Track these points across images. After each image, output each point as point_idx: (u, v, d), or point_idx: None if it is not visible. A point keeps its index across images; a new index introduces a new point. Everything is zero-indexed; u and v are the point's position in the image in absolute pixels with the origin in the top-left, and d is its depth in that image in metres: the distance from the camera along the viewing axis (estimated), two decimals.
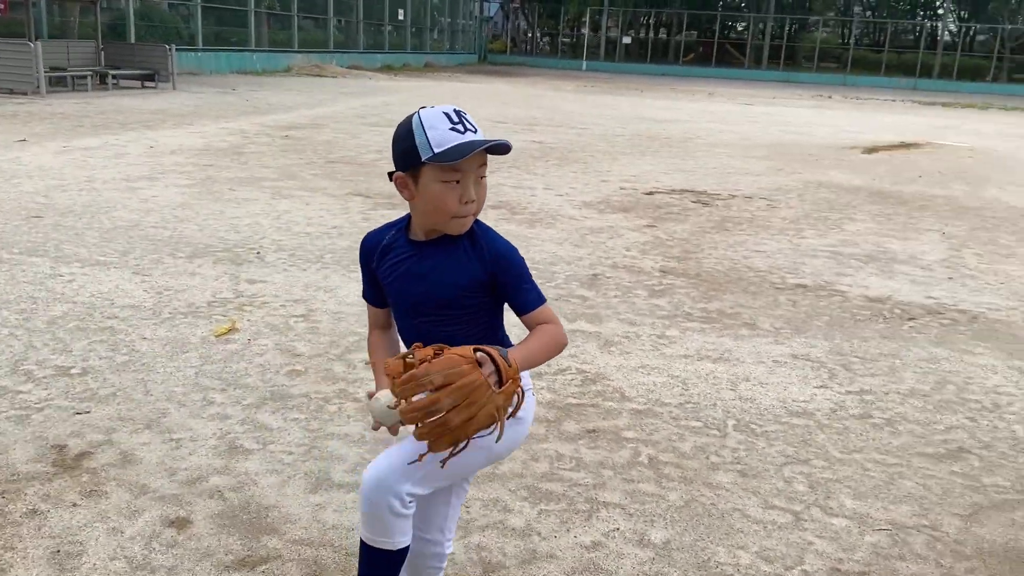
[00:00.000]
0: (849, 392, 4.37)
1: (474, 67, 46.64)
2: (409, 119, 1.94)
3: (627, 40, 58.12)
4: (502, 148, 1.91)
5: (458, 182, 1.91)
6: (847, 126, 20.82)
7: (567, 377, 4.36)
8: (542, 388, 4.18)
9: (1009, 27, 56.89)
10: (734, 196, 9.96)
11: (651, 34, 61.44)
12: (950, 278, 6.77)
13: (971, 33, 60.08)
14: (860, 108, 28.93)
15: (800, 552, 2.95)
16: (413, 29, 44.77)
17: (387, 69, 36.86)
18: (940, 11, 70.73)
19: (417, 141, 1.90)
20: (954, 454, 3.73)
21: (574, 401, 4.09)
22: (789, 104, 28.68)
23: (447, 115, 1.89)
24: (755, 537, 3.02)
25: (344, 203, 8.46)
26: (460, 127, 1.88)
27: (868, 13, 71.50)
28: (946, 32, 61.78)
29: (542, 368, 4.42)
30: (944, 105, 33.77)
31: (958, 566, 2.91)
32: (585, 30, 58.32)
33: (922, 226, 8.81)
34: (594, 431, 3.78)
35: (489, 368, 1.77)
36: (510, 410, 1.83)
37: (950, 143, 17.50)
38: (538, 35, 63.44)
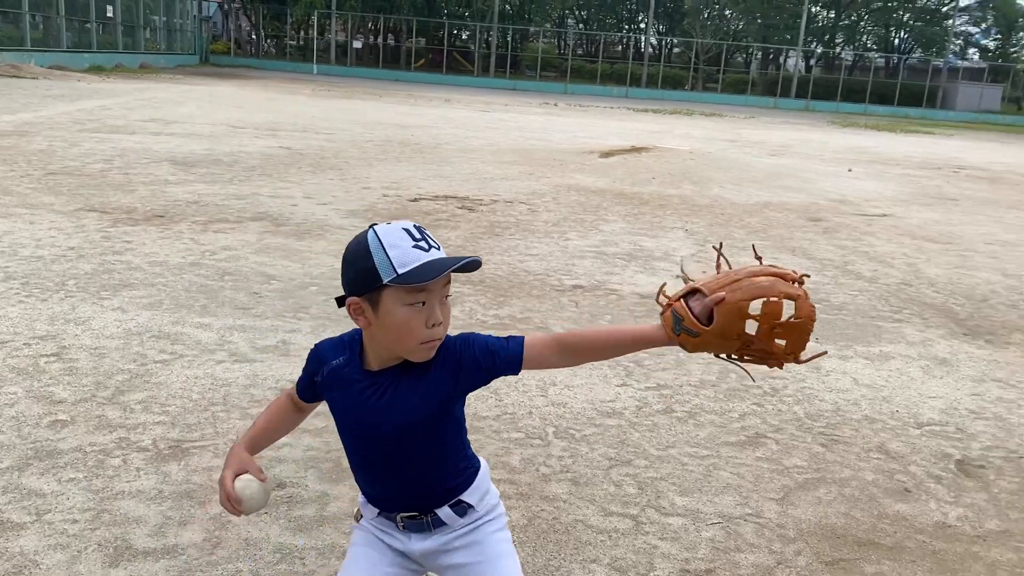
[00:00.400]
0: (648, 388, 4.54)
1: (195, 69, 43.83)
2: (364, 237, 1.73)
3: (357, 45, 57.65)
4: (474, 265, 1.74)
5: (423, 303, 1.72)
6: (579, 131, 22.07)
7: None
8: None
9: (701, 41, 63.57)
10: (496, 201, 10.11)
11: (381, 39, 61.41)
12: (704, 271, 7.30)
13: (669, 46, 66.36)
14: (585, 114, 30.86)
15: (648, 558, 2.97)
16: (124, 27, 41.17)
17: (97, 70, 33.55)
18: (643, 25, 77.54)
19: (376, 261, 1.68)
20: (753, 440, 3.98)
21: None
22: (522, 111, 29.90)
23: (407, 231, 1.71)
24: (603, 548, 3.00)
25: (77, 220, 7.49)
26: (424, 244, 1.71)
27: (581, 26, 76.74)
28: (648, 45, 67.82)
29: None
30: (654, 112, 36.98)
31: (787, 550, 3.08)
32: (313, 33, 57.08)
33: (667, 224, 9.48)
34: None
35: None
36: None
37: (672, 147, 19.13)
38: (263, 37, 61.05)
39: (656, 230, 9.08)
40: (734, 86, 63.26)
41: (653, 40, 67.66)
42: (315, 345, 2.00)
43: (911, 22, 69.11)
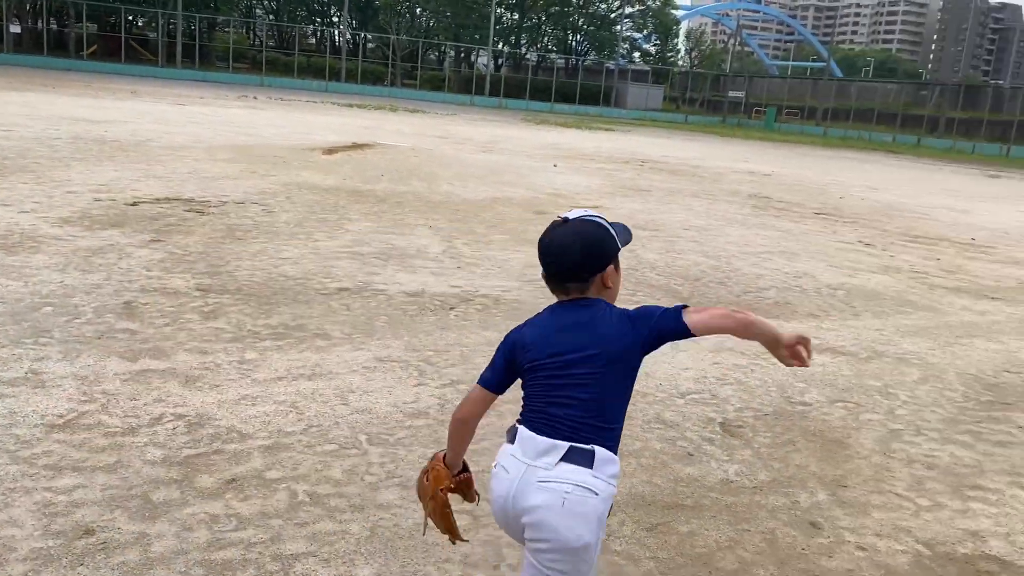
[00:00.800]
0: (443, 385, 4.62)
1: None
2: (590, 222, 2.15)
3: (16, 29, 51.05)
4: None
5: None
6: (288, 127, 21.45)
7: (168, 426, 3.79)
8: (144, 444, 3.58)
9: (396, 37, 64.36)
10: (225, 202, 9.58)
11: (44, 24, 54.83)
12: (459, 267, 7.54)
13: (364, 41, 66.43)
14: (289, 109, 30.02)
15: (495, 549, 3.06)
16: None
17: None
18: (335, 19, 76.77)
19: (612, 231, 2.16)
20: None
21: (191, 452, 3.58)
22: (221, 105, 28.38)
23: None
24: (450, 548, 3.04)
25: None
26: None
27: (271, 16, 74.25)
28: (343, 39, 67.32)
29: (136, 421, 3.79)
30: (359, 107, 36.91)
31: (612, 522, 3.33)
32: None
33: (410, 221, 9.60)
34: (234, 480, 3.38)
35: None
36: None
37: (394, 144, 19.26)
38: None
39: (402, 228, 9.15)
40: (431, 83, 64.92)
41: (347, 34, 67.29)
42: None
43: (585, 26, 75.38)
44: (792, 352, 2.05)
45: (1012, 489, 3.93)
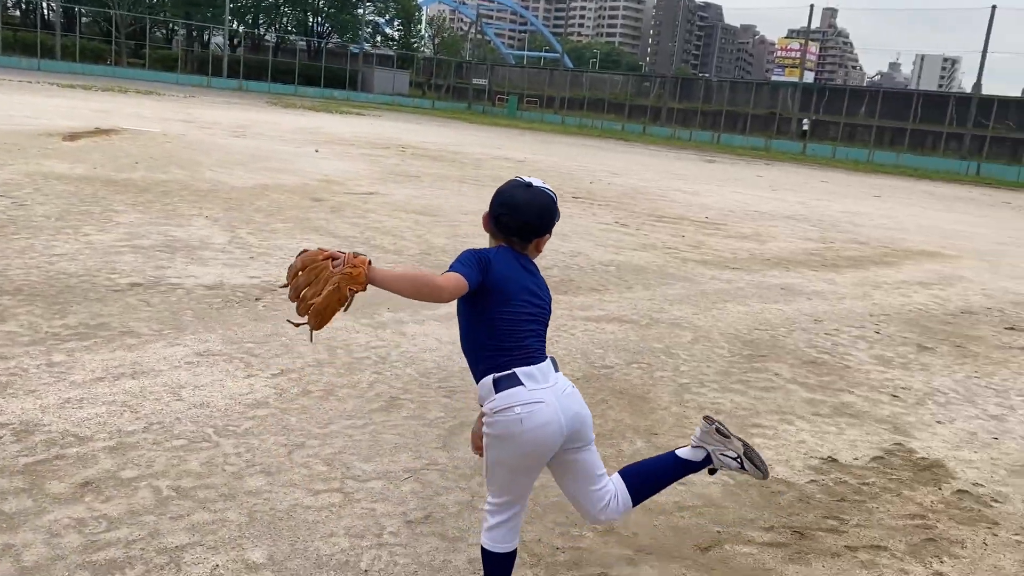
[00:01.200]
0: (275, 375, 4.65)
1: None
2: (547, 193, 2.55)
3: None
4: None
5: None
6: (11, 110, 19.31)
7: None
8: None
9: (118, 12, 59.28)
10: None
11: None
12: (251, 257, 7.41)
13: (80, 15, 60.51)
14: (2, 90, 26.89)
15: (374, 520, 3.25)
16: None
17: None
18: None
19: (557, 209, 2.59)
20: (392, 403, 4.43)
21: (29, 459, 3.40)
22: None
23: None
24: (331, 523, 3.19)
25: None
26: None
27: None
28: (53, 12, 60.87)
29: None
30: (84, 88, 33.83)
31: (472, 484, 3.63)
32: None
33: (183, 211, 9.19)
34: (88, 483, 3.27)
35: (339, 259, 2.24)
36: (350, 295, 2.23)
37: (139, 129, 17.96)
38: None
39: (176, 219, 8.76)
40: (162, 63, 60.64)
41: (54, 5, 60.75)
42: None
43: (326, 8, 73.92)
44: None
45: (782, 425, 4.72)
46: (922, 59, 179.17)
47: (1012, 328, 7.82)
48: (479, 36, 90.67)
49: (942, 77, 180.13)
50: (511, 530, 2.58)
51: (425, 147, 23.32)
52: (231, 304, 5.93)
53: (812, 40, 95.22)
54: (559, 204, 2.61)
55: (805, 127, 50.67)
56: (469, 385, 4.82)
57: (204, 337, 5.14)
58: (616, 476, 2.70)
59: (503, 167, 19.82)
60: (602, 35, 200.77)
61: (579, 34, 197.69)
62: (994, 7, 43.22)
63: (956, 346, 6.90)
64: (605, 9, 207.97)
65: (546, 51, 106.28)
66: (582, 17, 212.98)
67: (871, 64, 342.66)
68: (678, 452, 2.79)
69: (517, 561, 2.66)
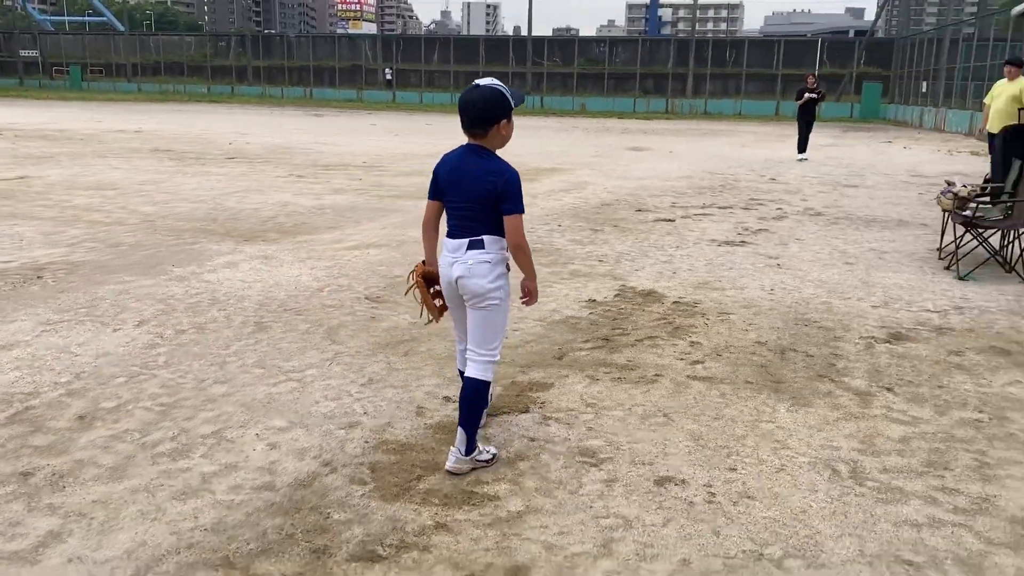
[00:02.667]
0: (137, 327, 5.11)
1: None
2: (496, 88, 3.16)
3: None
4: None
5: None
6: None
7: None
8: None
9: None
10: None
11: None
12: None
13: None
14: None
15: (335, 388, 4.17)
16: None
17: None
18: None
19: (508, 96, 3.19)
20: (261, 327, 5.19)
21: (31, 414, 3.74)
22: None
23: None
24: (308, 396, 4.06)
25: None
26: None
27: None
28: None
29: None
30: None
31: (379, 356, 4.66)
32: None
33: None
34: (84, 416, 3.75)
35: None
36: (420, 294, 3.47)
37: None
38: None
39: None
40: None
41: None
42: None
43: None
44: (525, 291, 3.38)
45: (552, 288, 6.31)
46: (469, 6, 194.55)
47: (640, 210, 10.38)
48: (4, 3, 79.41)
49: (488, 22, 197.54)
50: (462, 358, 3.55)
51: (19, 127, 21.16)
52: (19, 285, 5.97)
53: None
54: (506, 95, 3.17)
55: (388, 76, 53.49)
56: (303, 307, 5.72)
57: (33, 312, 5.31)
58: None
59: (131, 139, 19.00)
60: None
61: None
62: None
63: (614, 226, 9.14)
64: None
65: (89, 15, 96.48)
66: None
67: (425, 13, 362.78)
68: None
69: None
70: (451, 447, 3.34)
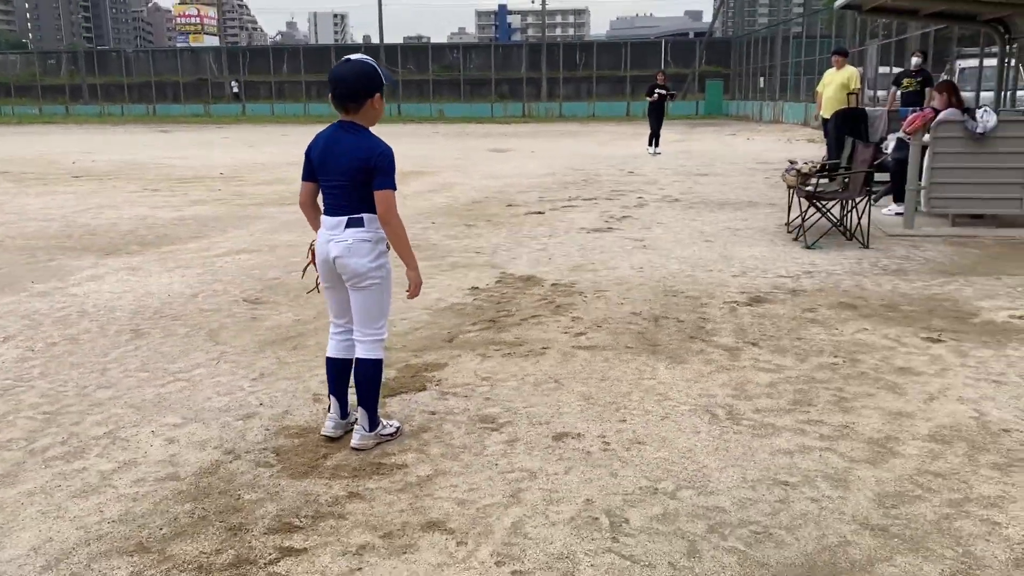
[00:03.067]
0: (3, 342, 4.87)
1: None
2: (367, 62, 3.14)
3: None
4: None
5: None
6: None
7: None
8: None
9: None
10: None
11: None
12: None
13: None
14: None
15: (227, 384, 4.14)
16: None
17: None
18: None
19: (380, 71, 3.19)
20: (138, 334, 5.05)
21: None
22: None
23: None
24: (200, 393, 4.01)
25: None
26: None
27: None
28: None
29: None
30: None
31: (267, 352, 4.64)
32: None
33: None
34: None
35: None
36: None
37: None
38: None
39: None
40: None
41: None
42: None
43: None
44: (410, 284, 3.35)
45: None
46: (315, 16, 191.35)
47: (510, 205, 10.63)
48: None
49: (336, 32, 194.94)
50: (336, 342, 3.45)
51: None
52: None
53: (209, 4, 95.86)
54: (379, 69, 3.18)
55: (236, 90, 51.94)
56: (179, 312, 5.60)
57: None
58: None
59: None
60: None
61: None
62: None
63: (487, 221, 9.34)
64: None
65: None
66: None
67: (270, 24, 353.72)
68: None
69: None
70: (354, 426, 3.40)
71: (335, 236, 3.22)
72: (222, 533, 2.71)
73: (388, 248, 3.34)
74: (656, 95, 18.65)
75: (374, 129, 3.31)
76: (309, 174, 3.34)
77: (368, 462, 3.24)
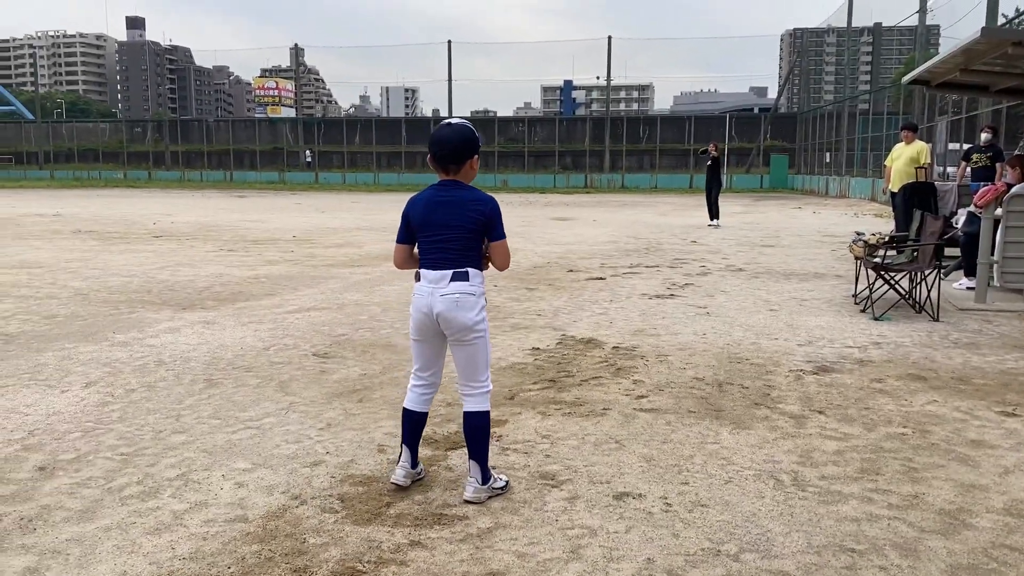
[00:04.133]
0: (85, 387, 5.08)
1: None
2: (467, 126, 3.34)
3: None
4: None
5: None
6: None
7: None
8: None
9: None
10: None
11: None
12: None
13: None
14: None
15: (294, 432, 4.25)
16: None
17: None
18: None
19: (478, 134, 3.37)
20: (211, 383, 5.22)
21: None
22: None
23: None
24: (269, 440, 4.12)
25: None
26: None
27: None
28: None
29: None
30: None
31: (335, 403, 4.75)
32: None
33: None
34: (44, 467, 3.74)
35: None
36: None
37: None
38: None
39: None
40: None
41: None
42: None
43: None
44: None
45: (495, 339, 6.49)
46: (387, 90, 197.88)
47: (571, 270, 10.72)
48: None
49: (407, 105, 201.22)
50: (417, 394, 3.51)
51: None
52: None
53: (287, 78, 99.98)
54: (477, 136, 3.32)
55: (309, 159, 53.79)
56: (251, 364, 5.78)
57: None
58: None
59: (42, 223, 18.63)
60: (61, 83, 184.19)
61: (31, 84, 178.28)
62: (450, 41, 50.79)
63: (549, 285, 9.43)
64: (60, 57, 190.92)
65: None
66: (31, 65, 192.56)
67: (344, 97, 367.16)
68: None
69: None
70: (466, 478, 3.44)
71: (439, 289, 3.29)
72: (287, 575, 2.77)
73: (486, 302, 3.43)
74: (709, 159, 18.52)
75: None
76: (406, 236, 3.41)
77: (430, 512, 3.28)
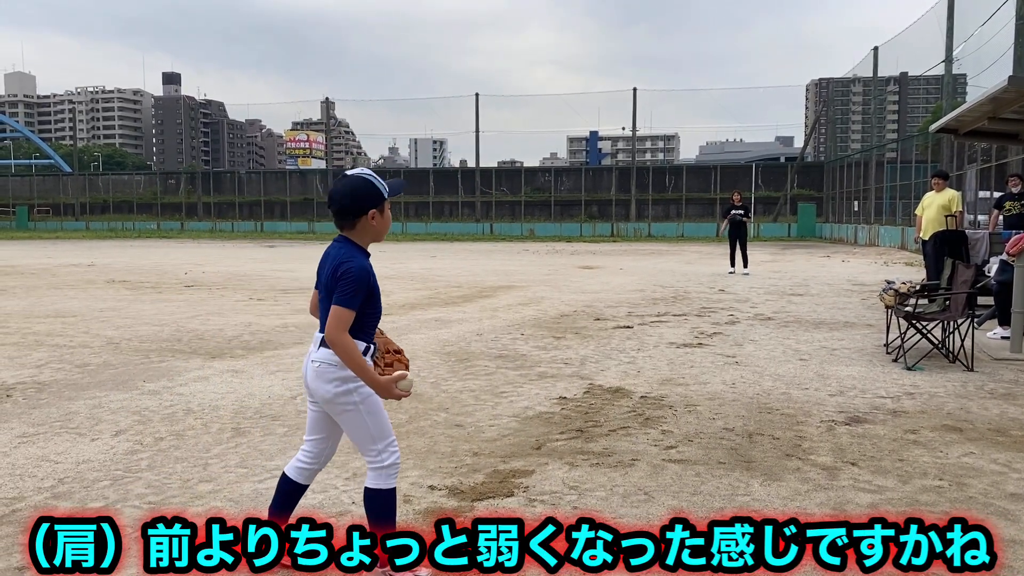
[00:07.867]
0: (115, 435, 5.12)
1: None
2: (361, 178, 2.97)
3: None
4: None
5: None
6: None
7: None
8: None
9: None
10: None
11: None
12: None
13: None
14: None
15: (321, 481, 4.25)
16: None
17: None
18: None
19: (377, 186, 2.99)
20: (239, 432, 5.24)
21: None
22: None
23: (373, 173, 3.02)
24: None
25: None
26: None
27: None
28: None
29: None
30: None
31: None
32: None
33: None
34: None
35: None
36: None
37: None
38: None
39: None
40: None
41: None
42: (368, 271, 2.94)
43: None
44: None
45: (520, 388, 6.47)
46: (416, 142, 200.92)
47: (598, 319, 10.69)
48: None
49: (435, 156, 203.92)
50: (295, 460, 3.27)
51: None
52: None
53: (318, 131, 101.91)
54: (375, 185, 2.97)
55: None
56: (278, 413, 5.80)
57: (8, 427, 5.30)
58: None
59: (77, 272, 18.98)
60: (99, 137, 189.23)
61: (70, 137, 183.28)
62: (478, 94, 51.66)
63: (576, 333, 9.41)
64: (99, 111, 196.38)
65: (36, 158, 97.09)
66: (71, 119, 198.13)
67: (373, 149, 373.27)
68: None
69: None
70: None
71: (310, 354, 3.08)
72: None
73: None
74: (731, 216, 18.59)
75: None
76: (317, 282, 3.12)
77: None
